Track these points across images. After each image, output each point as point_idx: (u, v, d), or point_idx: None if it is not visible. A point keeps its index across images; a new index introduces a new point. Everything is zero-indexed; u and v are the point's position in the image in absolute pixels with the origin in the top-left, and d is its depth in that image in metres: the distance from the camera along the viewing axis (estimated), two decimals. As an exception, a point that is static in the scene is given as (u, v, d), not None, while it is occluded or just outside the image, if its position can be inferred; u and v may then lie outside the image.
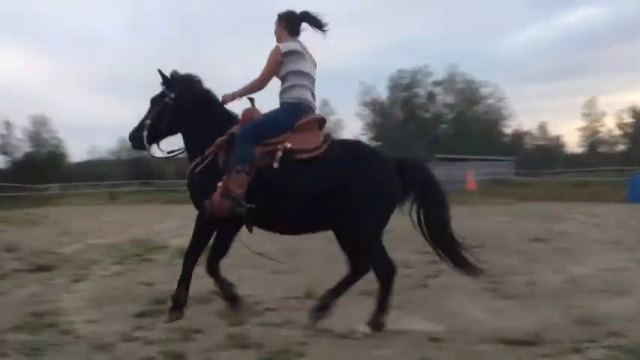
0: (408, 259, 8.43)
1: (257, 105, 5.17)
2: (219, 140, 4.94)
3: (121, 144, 57.85)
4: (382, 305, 4.70)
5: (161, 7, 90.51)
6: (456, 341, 4.35)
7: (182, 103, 5.22)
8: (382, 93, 61.71)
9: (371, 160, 4.85)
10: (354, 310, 5.31)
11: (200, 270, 7.78)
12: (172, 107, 5.24)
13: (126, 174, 52.24)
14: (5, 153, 54.64)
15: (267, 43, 5.20)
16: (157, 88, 5.40)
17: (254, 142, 4.77)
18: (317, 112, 5.24)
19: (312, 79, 5.16)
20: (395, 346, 4.24)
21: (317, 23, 5.16)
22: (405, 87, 61.27)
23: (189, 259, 5.31)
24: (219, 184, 4.70)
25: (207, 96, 5.32)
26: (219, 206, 4.71)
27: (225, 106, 5.26)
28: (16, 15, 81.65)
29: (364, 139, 60.39)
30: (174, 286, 6.60)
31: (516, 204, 21.45)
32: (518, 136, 62.71)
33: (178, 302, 5.15)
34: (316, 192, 4.67)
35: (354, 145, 5.19)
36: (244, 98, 5.16)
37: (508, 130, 62.63)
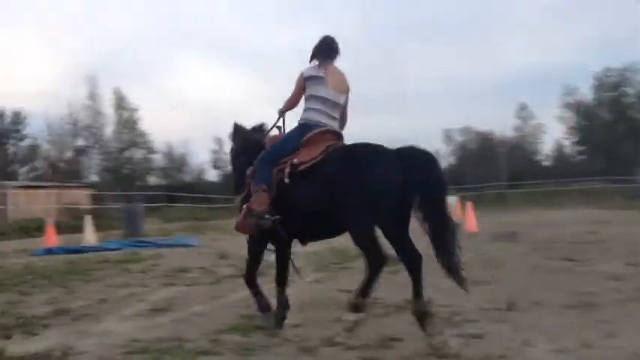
0: (617, 271, 7.83)
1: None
2: (248, 171, 5.44)
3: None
4: (416, 290, 4.93)
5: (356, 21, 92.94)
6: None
7: (236, 150, 5.98)
8: (586, 94, 57.90)
9: (359, 161, 4.74)
10: (563, 325, 5.07)
11: (397, 278, 7.89)
12: (234, 155, 6.02)
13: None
14: (217, 167, 59.48)
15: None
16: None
17: (270, 163, 5.17)
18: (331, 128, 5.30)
19: (331, 102, 5.31)
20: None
21: (329, 51, 5.42)
22: (612, 86, 56.91)
23: (248, 278, 5.76)
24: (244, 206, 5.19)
25: (250, 139, 5.84)
26: (242, 225, 5.27)
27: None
28: (222, 33, 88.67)
29: (567, 143, 57.24)
30: (373, 294, 6.78)
31: None
32: None
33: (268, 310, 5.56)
34: (314, 200, 4.84)
35: (349, 148, 5.05)
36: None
37: None
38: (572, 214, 21.54)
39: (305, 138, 5.17)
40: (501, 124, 53.31)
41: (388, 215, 4.69)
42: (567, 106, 58.02)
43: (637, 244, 10.72)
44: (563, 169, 52.39)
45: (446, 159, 58.63)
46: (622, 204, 26.50)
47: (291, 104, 5.58)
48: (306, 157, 5.03)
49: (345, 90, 5.44)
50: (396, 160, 4.68)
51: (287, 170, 5.02)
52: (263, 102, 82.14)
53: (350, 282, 7.83)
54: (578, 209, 24.71)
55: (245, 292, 7.28)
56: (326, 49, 5.44)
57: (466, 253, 10.27)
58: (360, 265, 9.34)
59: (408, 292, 6.71)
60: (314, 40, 5.47)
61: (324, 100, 5.28)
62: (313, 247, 12.05)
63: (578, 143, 58.23)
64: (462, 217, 17.71)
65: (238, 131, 6.03)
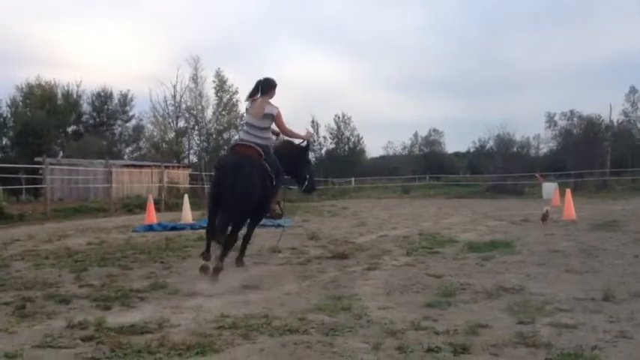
0: None
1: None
2: None
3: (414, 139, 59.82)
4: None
5: (460, 6, 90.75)
6: None
7: None
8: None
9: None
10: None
11: (488, 265, 7.75)
12: None
13: (418, 168, 53.77)
14: (311, 150, 60.18)
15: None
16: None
17: None
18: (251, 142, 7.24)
19: (252, 126, 7.35)
20: None
21: (263, 88, 7.49)
22: None
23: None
24: None
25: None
26: None
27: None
28: (323, 21, 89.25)
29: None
30: (462, 279, 6.70)
31: None
32: None
33: None
34: None
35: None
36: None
37: None
38: None
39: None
40: (608, 109, 50.49)
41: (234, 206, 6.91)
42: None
43: None
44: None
45: (547, 144, 56.77)
46: None
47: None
48: None
49: (262, 116, 7.28)
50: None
51: None
52: (366, 87, 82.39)
53: (439, 267, 7.76)
54: None
55: (333, 272, 7.40)
56: (262, 88, 7.47)
57: (562, 242, 10.02)
58: (449, 250, 9.27)
59: (498, 279, 6.63)
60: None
61: (247, 124, 7.50)
62: (404, 231, 12.03)
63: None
64: (561, 204, 17.09)
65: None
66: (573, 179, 36.88)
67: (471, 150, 63.47)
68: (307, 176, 8.38)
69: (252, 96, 7.51)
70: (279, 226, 14.61)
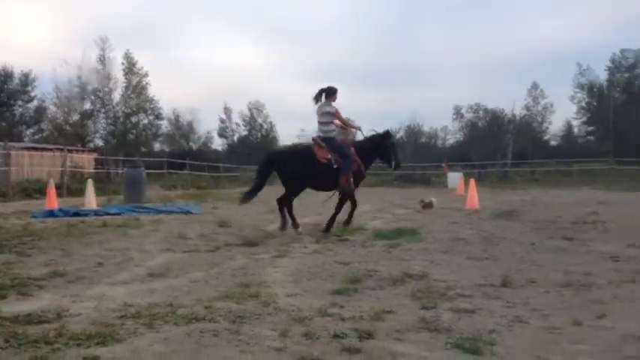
0: (617, 252, 7.83)
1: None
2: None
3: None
4: None
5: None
6: (668, 344, 3.95)
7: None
8: (600, 75, 57.46)
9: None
10: (555, 303, 5.09)
11: (396, 253, 7.92)
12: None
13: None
14: (224, 136, 59.53)
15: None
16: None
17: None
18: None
19: (318, 123, 10.38)
20: (595, 342, 3.96)
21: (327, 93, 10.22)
22: (627, 68, 56.45)
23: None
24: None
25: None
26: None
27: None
28: (238, 5, 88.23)
29: (576, 123, 57.03)
30: (369, 266, 6.82)
31: None
32: None
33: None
34: None
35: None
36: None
37: None
38: (575, 194, 21.50)
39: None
40: (512, 103, 52.86)
41: None
42: (580, 86, 57.70)
43: (638, 226, 10.70)
44: (570, 149, 52.21)
45: (454, 135, 58.70)
46: (627, 186, 26.41)
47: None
48: None
49: (322, 114, 10.18)
50: None
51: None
52: (282, 74, 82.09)
53: (347, 254, 7.87)
54: (581, 190, 24.68)
55: (242, 260, 7.36)
56: (325, 93, 10.17)
57: (465, 230, 10.37)
58: (358, 238, 9.41)
59: (403, 266, 6.79)
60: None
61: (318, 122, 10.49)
62: (315, 219, 12.11)
63: (587, 123, 57.98)
64: (465, 193, 17.70)
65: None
66: (477, 170, 38.27)
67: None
68: (393, 157, 10.75)
69: (316, 100, 10.19)
70: (188, 212, 14.41)
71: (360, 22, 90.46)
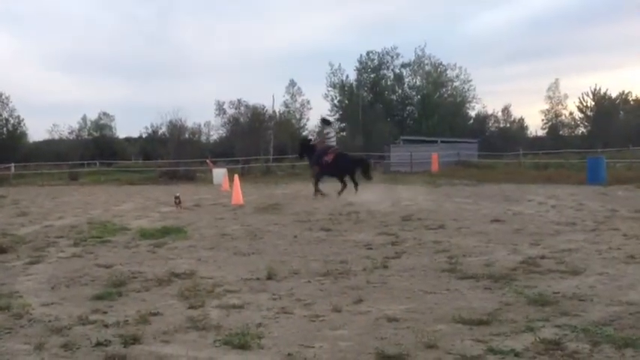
0: (369, 240, 8.49)
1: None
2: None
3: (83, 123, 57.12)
4: None
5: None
6: (414, 321, 4.39)
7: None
8: (351, 75, 61.93)
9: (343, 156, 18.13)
10: (317, 292, 5.37)
11: (162, 252, 7.75)
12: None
13: (87, 154, 51.36)
14: None
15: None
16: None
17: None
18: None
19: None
20: (353, 327, 4.26)
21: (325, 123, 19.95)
22: (373, 69, 61.49)
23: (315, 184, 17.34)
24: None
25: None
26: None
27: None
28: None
29: (331, 119, 60.59)
30: (134, 267, 6.61)
31: (477, 185, 21.68)
32: (482, 119, 63.35)
33: None
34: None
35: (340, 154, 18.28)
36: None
37: (473, 113, 63.48)
38: (331, 187, 22.87)
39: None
40: (271, 99, 54.78)
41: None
42: (333, 85, 61.64)
43: (388, 215, 11.72)
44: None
45: (217, 131, 59.10)
46: (377, 179, 28.77)
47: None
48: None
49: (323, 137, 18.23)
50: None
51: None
52: (28, 64, 75.00)
53: (109, 256, 7.52)
54: (336, 183, 26.33)
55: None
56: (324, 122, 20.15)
57: (231, 225, 10.49)
58: (120, 239, 9.04)
59: (170, 265, 6.68)
60: None
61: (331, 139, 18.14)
62: (72, 220, 11.38)
63: (339, 120, 62.08)
64: (230, 189, 17.92)
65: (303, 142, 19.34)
66: (241, 165, 38.94)
67: (144, 135, 62.87)
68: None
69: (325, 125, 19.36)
70: None
71: (111, 10, 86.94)
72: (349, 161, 17.93)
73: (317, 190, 16.94)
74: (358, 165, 17.95)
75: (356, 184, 17.02)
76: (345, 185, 16.89)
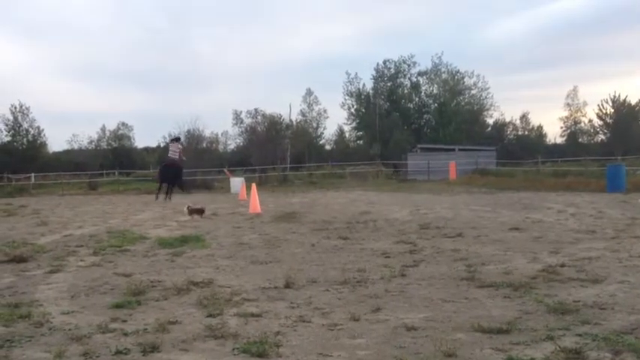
0: (387, 248, 8.47)
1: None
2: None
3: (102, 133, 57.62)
4: None
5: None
6: (433, 330, 4.36)
7: None
8: (367, 83, 62.02)
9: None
10: (335, 300, 5.35)
11: (180, 261, 7.79)
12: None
13: (106, 163, 51.82)
14: None
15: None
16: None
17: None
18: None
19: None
20: (372, 335, 4.25)
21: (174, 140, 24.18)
22: (390, 77, 61.52)
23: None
24: None
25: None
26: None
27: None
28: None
29: (347, 128, 60.80)
30: (152, 276, 6.64)
31: (496, 193, 21.57)
32: (500, 126, 63.04)
33: None
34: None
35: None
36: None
37: (490, 121, 63.22)
38: (349, 195, 22.84)
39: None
40: (288, 108, 55.01)
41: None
42: (349, 93, 61.75)
43: (405, 223, 11.69)
44: (343, 152, 55.52)
45: (234, 140, 59.40)
46: (394, 186, 28.71)
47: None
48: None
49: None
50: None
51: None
52: (48, 75, 75.98)
53: (128, 265, 7.57)
54: (354, 191, 26.30)
55: (10, 278, 6.72)
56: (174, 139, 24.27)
57: (249, 234, 10.52)
58: (139, 247, 9.09)
59: (188, 274, 6.70)
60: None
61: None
62: (91, 229, 11.47)
63: (356, 129, 62.13)
64: (248, 198, 17.97)
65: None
66: (258, 174, 39.08)
67: (162, 145, 63.32)
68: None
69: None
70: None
71: (128, 21, 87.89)
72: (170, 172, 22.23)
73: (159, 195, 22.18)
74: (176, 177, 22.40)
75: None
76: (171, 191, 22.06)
